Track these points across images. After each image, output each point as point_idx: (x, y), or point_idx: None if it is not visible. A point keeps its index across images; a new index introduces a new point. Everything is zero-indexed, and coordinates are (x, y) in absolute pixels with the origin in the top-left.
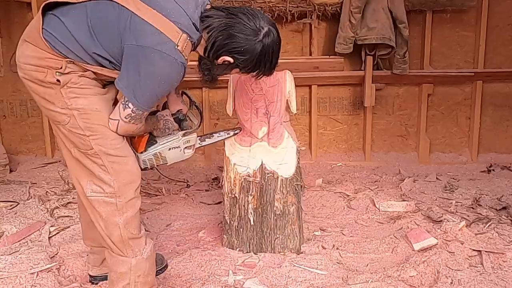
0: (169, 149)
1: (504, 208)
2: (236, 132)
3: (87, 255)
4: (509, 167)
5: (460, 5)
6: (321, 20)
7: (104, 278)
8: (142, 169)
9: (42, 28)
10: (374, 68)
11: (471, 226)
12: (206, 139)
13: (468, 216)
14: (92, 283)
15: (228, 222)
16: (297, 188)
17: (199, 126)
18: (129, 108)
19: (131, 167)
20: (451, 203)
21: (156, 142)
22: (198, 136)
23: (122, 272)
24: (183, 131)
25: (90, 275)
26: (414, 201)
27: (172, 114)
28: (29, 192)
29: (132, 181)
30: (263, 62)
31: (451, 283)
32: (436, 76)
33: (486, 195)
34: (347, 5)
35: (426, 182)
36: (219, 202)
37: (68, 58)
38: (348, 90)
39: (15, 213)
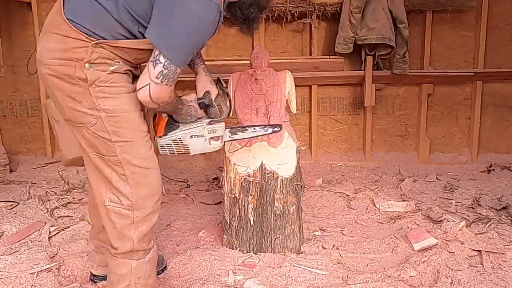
0: (191, 136)
1: (504, 208)
2: (276, 129)
3: (88, 254)
4: (509, 167)
5: (460, 5)
6: (321, 20)
7: (105, 278)
8: (159, 154)
9: (63, 7)
10: (374, 68)
11: (471, 226)
12: (238, 133)
13: (468, 216)
14: (93, 282)
15: (228, 222)
16: (297, 188)
17: (228, 116)
18: (160, 63)
19: (152, 180)
20: (451, 203)
21: (178, 127)
22: (228, 127)
23: (122, 274)
24: (209, 119)
25: (92, 273)
26: (414, 201)
27: (199, 98)
28: (29, 192)
29: (151, 195)
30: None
31: (451, 283)
32: (436, 76)
33: (486, 195)
34: (347, 5)
35: (426, 182)
36: (219, 202)
37: (95, 37)
38: (348, 90)
39: (15, 213)
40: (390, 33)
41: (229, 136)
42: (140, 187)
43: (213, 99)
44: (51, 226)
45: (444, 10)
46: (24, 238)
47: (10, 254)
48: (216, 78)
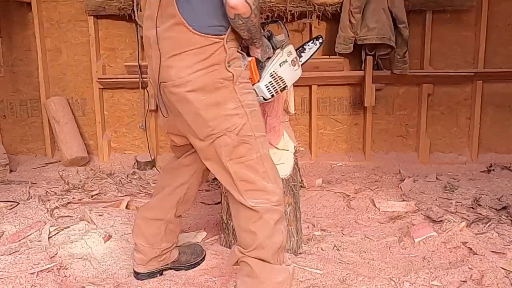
0: (280, 65)
1: (504, 208)
2: (320, 41)
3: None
4: (509, 167)
5: (460, 5)
6: (321, 20)
7: (150, 275)
8: (268, 100)
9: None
10: (374, 68)
11: (471, 226)
12: (301, 54)
13: (468, 216)
14: (137, 279)
15: (226, 221)
16: (294, 189)
17: (288, 37)
18: None
19: (278, 173)
20: (451, 203)
21: (265, 65)
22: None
23: (280, 282)
24: (279, 46)
25: (135, 271)
26: (414, 201)
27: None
28: (29, 192)
29: (281, 187)
30: None
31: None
32: (436, 76)
33: (486, 195)
34: (347, 5)
35: (426, 182)
36: (219, 202)
37: (223, 31)
38: (348, 90)
39: (15, 213)
40: (390, 33)
41: (300, 58)
42: (277, 180)
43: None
44: (51, 226)
45: (444, 10)
46: (24, 238)
47: (10, 254)
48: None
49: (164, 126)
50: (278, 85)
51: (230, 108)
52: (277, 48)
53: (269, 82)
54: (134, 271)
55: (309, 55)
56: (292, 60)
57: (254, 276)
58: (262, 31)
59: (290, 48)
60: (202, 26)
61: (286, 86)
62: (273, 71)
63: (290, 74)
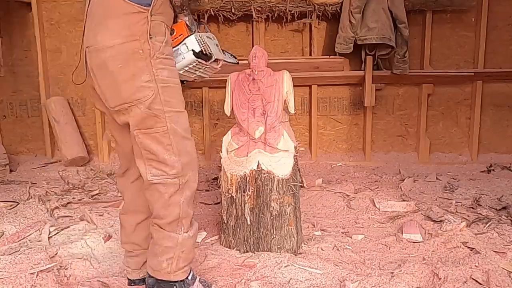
0: (207, 37)
1: (504, 208)
2: (235, 60)
3: (122, 260)
4: (509, 167)
5: (460, 5)
6: (321, 20)
7: (142, 280)
8: (199, 54)
9: None
10: (374, 68)
11: (471, 226)
12: (224, 51)
13: (468, 216)
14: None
15: (226, 222)
16: (294, 189)
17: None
18: None
19: (191, 150)
20: (451, 203)
21: (194, 32)
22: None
23: (168, 246)
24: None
25: (129, 279)
26: (414, 201)
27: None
28: (29, 192)
29: (192, 163)
30: None
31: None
32: (436, 76)
33: (486, 195)
34: (347, 5)
35: (426, 182)
36: (219, 202)
37: (149, 1)
38: (348, 90)
39: (15, 213)
40: (390, 33)
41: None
42: (183, 155)
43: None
44: (51, 226)
45: (444, 10)
46: (24, 238)
47: (10, 254)
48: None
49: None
50: (206, 46)
51: (143, 80)
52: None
53: (200, 37)
54: (128, 279)
55: (223, 56)
56: (216, 43)
57: (152, 237)
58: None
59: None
60: None
61: (213, 54)
62: (202, 35)
63: (215, 49)
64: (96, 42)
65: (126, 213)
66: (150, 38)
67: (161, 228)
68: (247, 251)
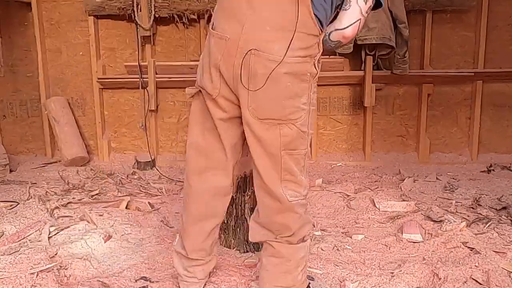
0: None
1: (504, 208)
2: None
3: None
4: (509, 167)
5: (460, 5)
6: None
7: None
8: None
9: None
10: (374, 68)
11: (471, 226)
12: None
13: (468, 216)
14: None
15: (226, 222)
16: None
17: None
18: None
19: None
20: (451, 203)
21: None
22: None
23: (302, 257)
24: None
25: None
26: (414, 201)
27: None
28: (29, 192)
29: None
30: None
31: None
32: (436, 76)
33: (486, 195)
34: None
35: (426, 182)
36: None
37: (321, 27)
38: (348, 90)
39: (15, 213)
40: (390, 33)
41: None
42: (307, 176)
43: None
44: (51, 226)
45: (444, 10)
46: (24, 238)
47: (10, 254)
48: None
49: (213, 89)
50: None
51: (302, 102)
52: None
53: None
54: None
55: None
56: None
57: (280, 256)
58: None
59: None
60: (318, 9)
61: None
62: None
63: None
64: (270, 50)
65: (201, 220)
66: (318, 62)
67: (291, 243)
68: (247, 251)
